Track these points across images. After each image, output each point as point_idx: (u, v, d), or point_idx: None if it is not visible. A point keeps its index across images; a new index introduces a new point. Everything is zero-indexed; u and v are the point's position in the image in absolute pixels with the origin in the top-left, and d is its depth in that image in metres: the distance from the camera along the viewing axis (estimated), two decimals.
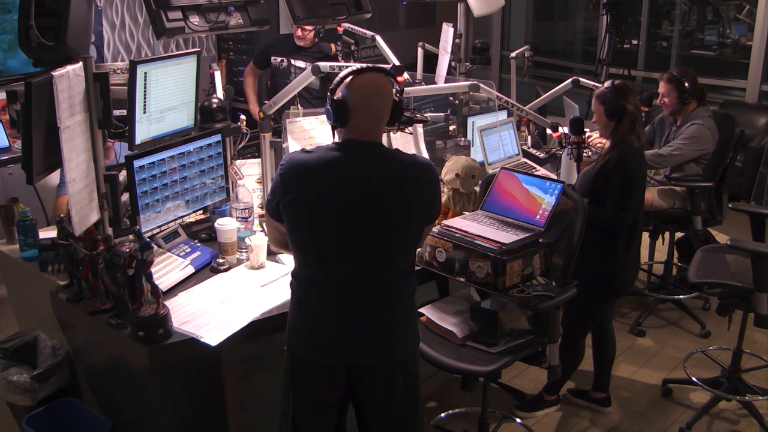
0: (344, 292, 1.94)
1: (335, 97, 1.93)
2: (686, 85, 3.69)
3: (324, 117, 2.00)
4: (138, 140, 2.45)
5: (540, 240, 2.39)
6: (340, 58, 4.37)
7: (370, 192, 1.91)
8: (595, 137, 3.90)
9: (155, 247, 2.15)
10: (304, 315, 1.98)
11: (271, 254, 2.55)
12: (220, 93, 3.09)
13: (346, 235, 1.91)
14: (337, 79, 1.95)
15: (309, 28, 4.56)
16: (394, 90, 1.99)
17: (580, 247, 2.69)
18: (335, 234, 1.91)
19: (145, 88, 2.40)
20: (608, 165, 2.84)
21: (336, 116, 1.92)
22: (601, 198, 2.84)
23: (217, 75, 3.17)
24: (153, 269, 2.07)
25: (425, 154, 3.36)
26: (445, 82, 3.87)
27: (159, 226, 2.51)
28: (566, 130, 3.35)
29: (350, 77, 1.93)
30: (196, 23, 2.63)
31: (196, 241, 2.63)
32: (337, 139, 1.99)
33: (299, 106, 3.18)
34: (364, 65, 1.98)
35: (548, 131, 3.85)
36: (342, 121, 1.93)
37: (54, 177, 3.13)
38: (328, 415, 2.06)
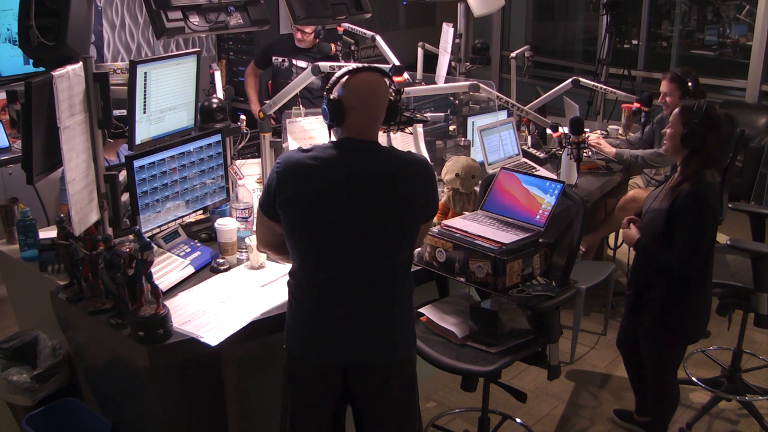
0: (341, 292, 1.94)
1: (331, 97, 1.93)
2: (689, 84, 3.69)
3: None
4: (138, 140, 2.45)
5: (540, 240, 2.39)
6: (340, 58, 4.37)
7: (366, 190, 1.91)
8: (594, 137, 3.91)
9: (155, 247, 2.15)
10: (302, 315, 1.99)
11: None
12: (220, 93, 3.09)
13: (343, 234, 1.91)
14: (333, 78, 1.96)
15: (309, 30, 4.55)
16: (390, 89, 1.99)
17: (650, 290, 2.63)
18: (332, 233, 1.91)
19: (145, 88, 2.40)
20: (677, 203, 2.57)
21: (332, 115, 1.93)
22: (669, 239, 2.60)
23: (217, 75, 3.17)
24: (153, 269, 2.07)
25: (425, 154, 3.36)
26: (445, 82, 3.87)
27: (159, 226, 2.51)
28: (566, 130, 3.36)
29: (346, 77, 1.93)
30: (196, 23, 2.63)
31: (196, 241, 2.63)
32: (333, 138, 2.00)
33: (301, 106, 3.19)
34: (361, 65, 1.99)
35: (548, 131, 3.85)
36: (338, 120, 1.93)
37: (56, 179, 3.12)
38: (326, 415, 2.06)
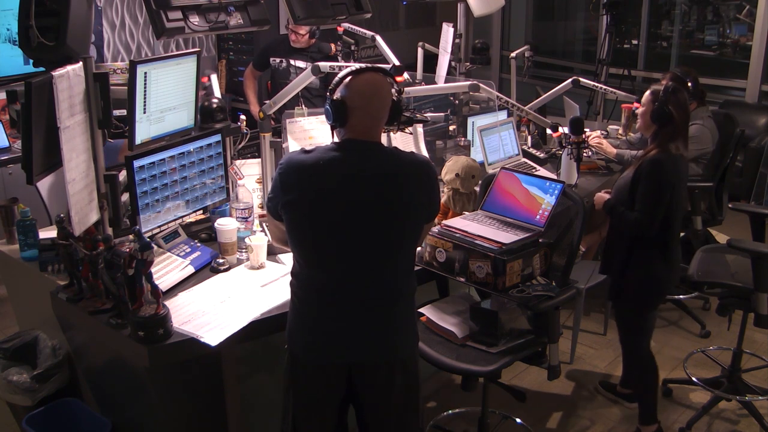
0: (343, 292, 1.94)
1: (334, 97, 1.93)
2: (689, 84, 3.69)
3: (324, 117, 2.00)
4: (138, 140, 2.45)
5: (540, 240, 2.39)
6: (340, 58, 4.37)
7: (369, 191, 1.91)
8: (594, 137, 3.91)
9: (155, 247, 2.15)
10: (304, 314, 1.99)
11: (271, 254, 2.55)
12: (218, 93, 3.09)
13: (346, 235, 1.91)
14: (336, 79, 1.96)
15: (302, 31, 4.54)
16: (393, 90, 1.99)
17: (618, 255, 2.77)
18: (334, 233, 1.91)
19: (145, 88, 2.40)
20: (639, 170, 2.75)
21: (335, 116, 1.93)
22: (634, 204, 2.77)
23: (214, 78, 3.18)
24: (153, 269, 2.07)
25: (425, 154, 3.36)
26: (445, 82, 3.87)
27: (159, 226, 2.51)
28: (566, 130, 3.36)
29: (349, 77, 1.93)
30: (196, 23, 2.63)
31: (196, 241, 2.63)
32: (336, 139, 2.00)
33: (303, 106, 3.18)
34: (363, 65, 1.99)
35: (548, 131, 3.85)
36: (341, 121, 1.93)
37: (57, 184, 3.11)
38: (328, 415, 2.06)
